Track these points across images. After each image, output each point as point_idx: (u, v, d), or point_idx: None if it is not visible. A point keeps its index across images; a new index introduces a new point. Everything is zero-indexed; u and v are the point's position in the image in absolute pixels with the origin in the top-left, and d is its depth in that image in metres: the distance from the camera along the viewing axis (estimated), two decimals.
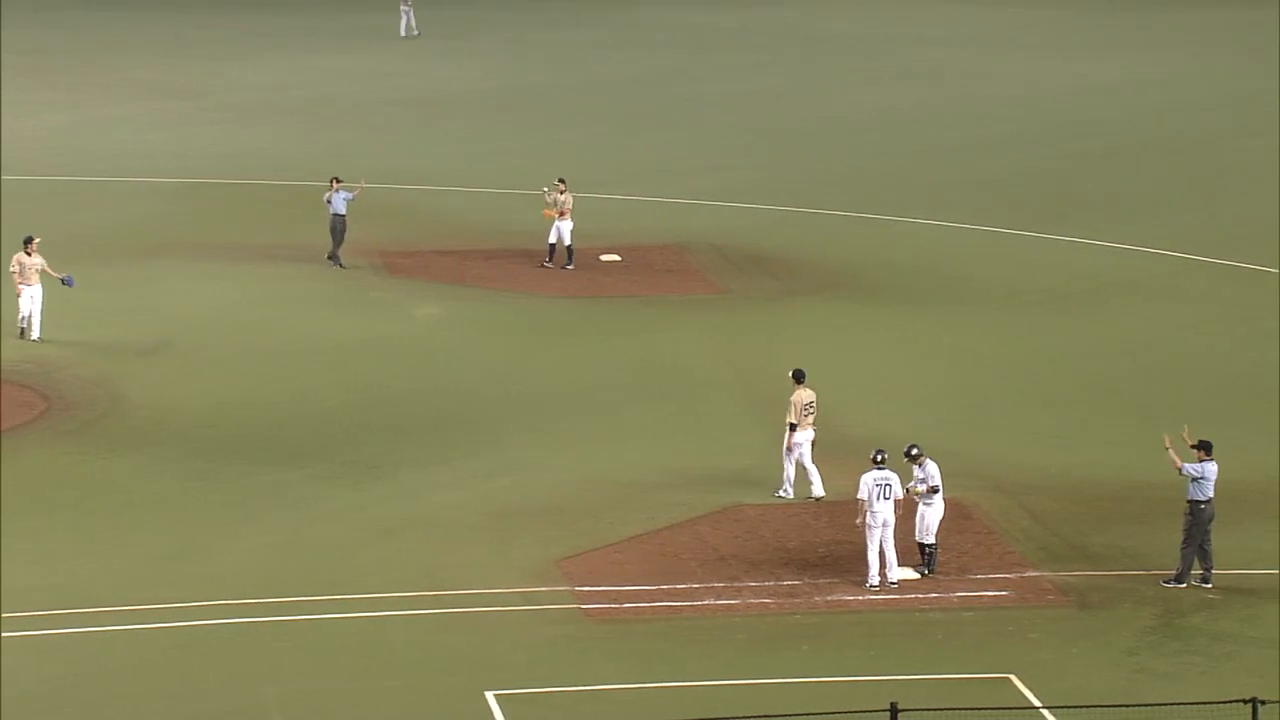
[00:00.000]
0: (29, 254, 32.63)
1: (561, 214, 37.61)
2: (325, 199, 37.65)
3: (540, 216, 38.06)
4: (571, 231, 37.66)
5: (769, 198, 44.75)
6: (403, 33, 66.72)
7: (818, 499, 26.02)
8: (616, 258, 39.10)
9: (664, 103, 56.90)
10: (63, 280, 32.80)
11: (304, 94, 56.99)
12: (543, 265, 37.65)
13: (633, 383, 31.43)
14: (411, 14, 66.87)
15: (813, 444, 26.11)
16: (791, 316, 35.35)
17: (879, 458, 23.64)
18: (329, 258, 37.57)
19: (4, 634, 21.91)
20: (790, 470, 26.13)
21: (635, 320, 35.01)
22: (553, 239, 37.71)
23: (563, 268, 37.62)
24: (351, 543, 24.85)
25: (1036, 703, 20.61)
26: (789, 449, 26.08)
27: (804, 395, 26.21)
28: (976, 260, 39.54)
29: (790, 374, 26.50)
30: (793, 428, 25.98)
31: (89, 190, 44.82)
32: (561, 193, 37.76)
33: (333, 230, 37.45)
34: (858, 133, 53.01)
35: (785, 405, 26.32)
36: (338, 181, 37.81)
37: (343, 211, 37.41)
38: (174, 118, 53.39)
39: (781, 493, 26.17)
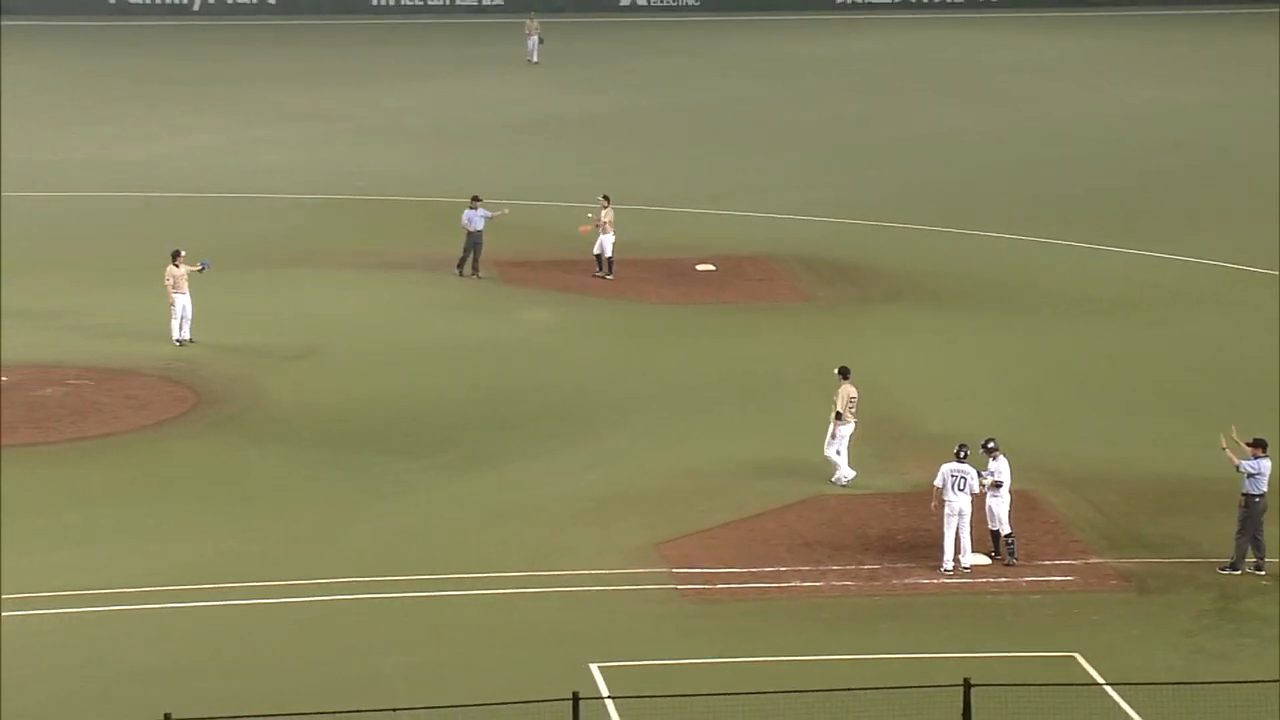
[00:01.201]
0: (177, 265, 32.78)
1: (604, 228, 37.28)
2: (463, 216, 37.58)
3: (579, 234, 37.74)
4: (613, 244, 37.24)
5: (850, 212, 44.40)
6: (535, 59, 66.72)
7: (839, 484, 25.71)
8: (711, 267, 38.87)
9: (756, 126, 56.66)
10: (200, 266, 32.86)
11: (432, 118, 57.17)
12: (595, 276, 37.27)
13: (724, 382, 31.23)
14: (537, 42, 66.91)
15: (851, 435, 25.80)
16: (871, 321, 35.02)
17: (961, 452, 23.38)
18: (457, 267, 37.57)
19: (162, 605, 22.02)
20: (842, 458, 25.85)
21: (727, 325, 34.79)
22: (597, 250, 37.38)
23: (604, 277, 37.20)
24: (467, 527, 24.81)
25: (1100, 680, 20.27)
26: (832, 437, 25.74)
27: (848, 390, 25.97)
28: (1044, 271, 39.05)
29: (836, 370, 26.29)
30: (839, 417, 25.64)
31: (236, 205, 45.15)
32: (604, 208, 37.50)
33: (471, 244, 37.39)
34: (933, 152, 52.52)
35: (861, 404, 26.09)
36: (477, 200, 37.79)
37: (480, 228, 37.39)
38: (314, 140, 53.70)
39: (836, 478, 25.87)
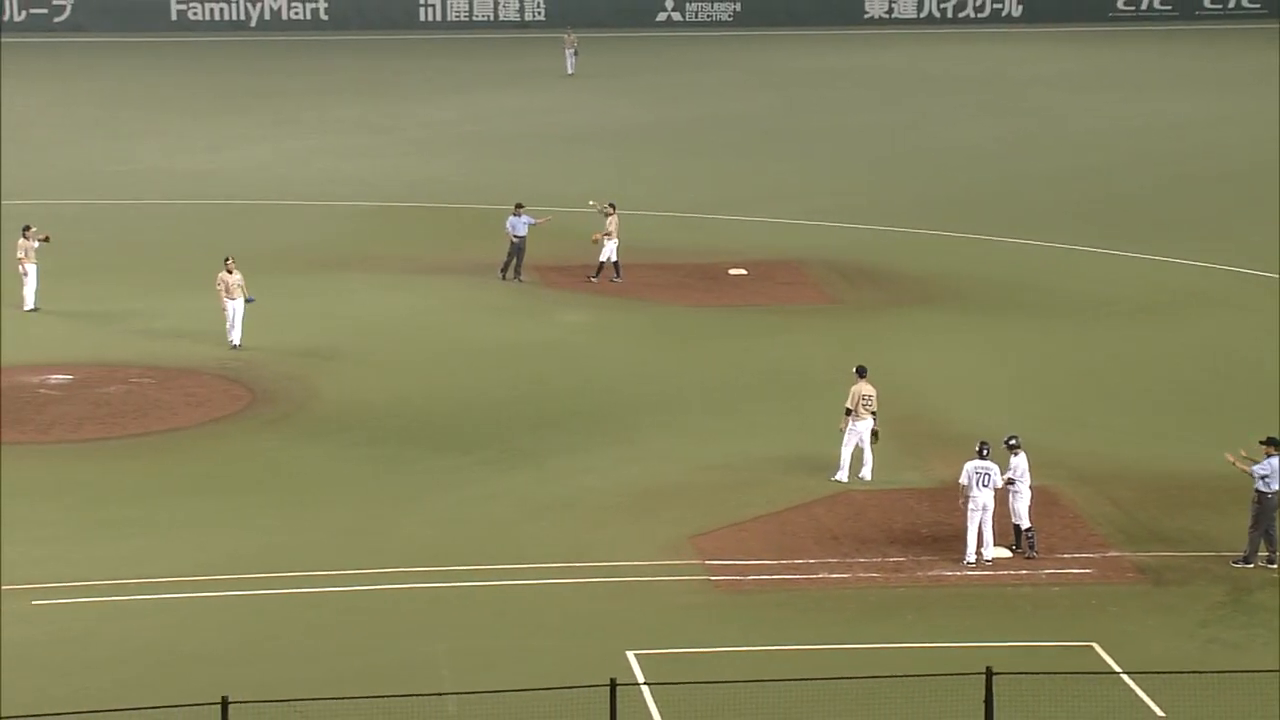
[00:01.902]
0: (229, 271, 32.84)
1: (609, 235, 37.18)
2: (507, 222, 37.64)
3: (591, 241, 37.64)
4: (616, 248, 37.10)
5: (877, 219, 44.30)
6: (570, 70, 66.84)
7: (864, 481, 25.58)
8: (742, 271, 38.84)
9: (787, 136, 56.58)
10: (247, 300, 32.81)
11: (477, 128, 57.27)
12: (611, 280, 37.13)
13: (755, 382, 31.20)
14: (573, 56, 67.01)
15: (875, 433, 25.71)
16: (897, 324, 34.93)
17: (983, 450, 23.33)
18: (500, 271, 37.62)
19: (220, 593, 22.14)
20: (845, 457, 25.75)
21: (758, 326, 34.76)
22: (603, 257, 37.30)
23: (610, 280, 37.08)
24: (509, 520, 24.86)
25: (1117, 668, 20.20)
26: (845, 433, 25.65)
27: (863, 389, 25.91)
28: (1064, 275, 38.90)
29: (854, 369, 26.24)
30: (848, 412, 25.58)
31: (291, 212, 45.33)
32: (608, 215, 37.41)
33: (514, 250, 37.44)
34: (957, 161, 52.37)
35: (884, 403, 26.05)
36: (520, 208, 37.84)
37: (523, 234, 37.43)
38: (365, 149, 53.86)
39: (838, 476, 25.80)
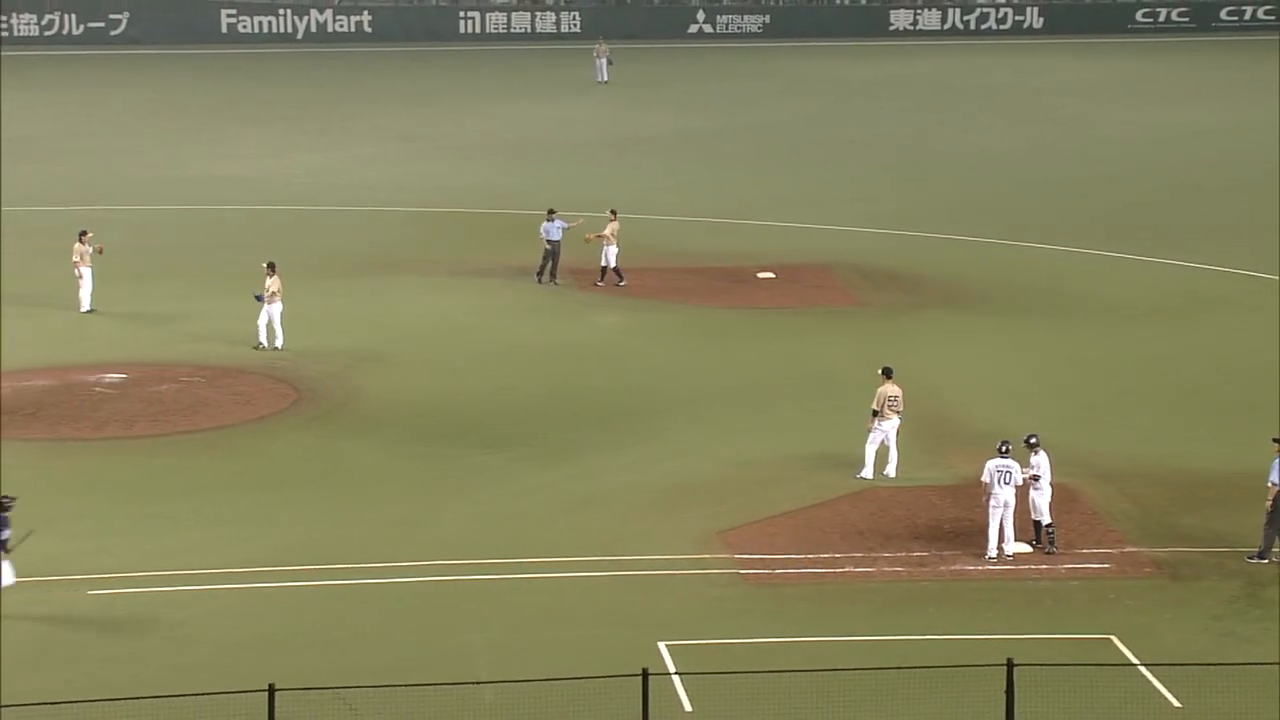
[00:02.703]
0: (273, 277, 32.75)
1: (607, 239, 36.97)
2: (541, 228, 37.63)
3: (585, 242, 37.38)
4: (616, 255, 36.92)
5: (902, 224, 44.16)
6: (604, 78, 66.82)
7: (889, 478, 25.48)
8: (771, 275, 38.74)
9: (814, 143, 56.46)
10: (256, 297, 32.69)
11: (516, 136, 57.29)
12: (615, 284, 36.90)
13: (784, 382, 31.12)
14: (605, 64, 67.00)
15: (898, 431, 25.58)
16: (921, 326, 34.80)
17: (1004, 448, 23.21)
18: (537, 275, 37.61)
19: (266, 584, 22.19)
20: (870, 455, 25.63)
21: (786, 328, 34.67)
22: (604, 262, 37.12)
23: (613, 284, 36.90)
24: (544, 515, 24.83)
25: (1134, 660, 20.07)
26: (871, 432, 25.54)
27: (889, 389, 25.80)
28: (1084, 279, 38.70)
29: (880, 370, 26.13)
30: (874, 414, 25.47)
31: (334, 218, 45.43)
32: (611, 221, 37.25)
33: (548, 254, 37.41)
34: (980, 169, 52.17)
35: (907, 403, 25.94)
36: (553, 213, 37.82)
37: (557, 238, 37.41)
38: (407, 157, 53.97)
39: (862, 474, 25.69)
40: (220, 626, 21.29)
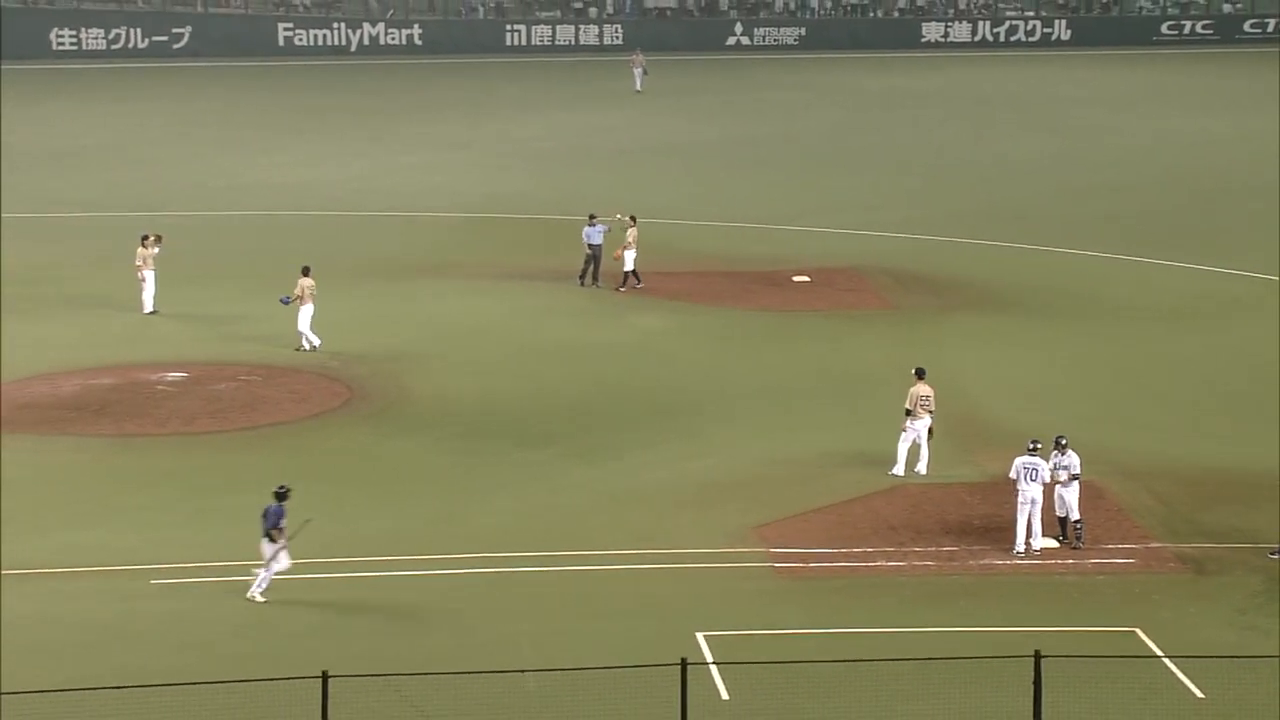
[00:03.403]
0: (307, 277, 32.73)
1: (627, 246, 36.83)
2: (583, 232, 37.62)
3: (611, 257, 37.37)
4: (634, 259, 36.79)
5: (932, 229, 43.98)
6: (639, 87, 66.80)
7: (920, 475, 25.36)
8: (805, 279, 38.65)
9: (848, 151, 56.28)
10: (282, 300, 32.73)
11: (558, 144, 57.32)
12: (634, 286, 36.86)
13: (817, 381, 31.03)
14: (641, 74, 67.00)
15: (930, 430, 25.43)
16: (950, 328, 34.64)
17: (1033, 446, 23.08)
18: (579, 278, 37.60)
19: (319, 575, 22.23)
20: (902, 453, 25.50)
21: (820, 330, 34.57)
22: (625, 267, 36.91)
23: (633, 287, 36.78)
24: (585, 509, 24.82)
25: (1158, 652, 19.91)
26: (904, 431, 25.44)
27: (921, 389, 25.68)
28: (1107, 282, 38.46)
29: (913, 371, 26.01)
30: (908, 413, 25.34)
31: (385, 223, 45.55)
32: (630, 228, 37.09)
33: (590, 257, 37.40)
34: (1010, 176, 51.90)
35: (937, 402, 25.82)
36: (594, 218, 37.83)
37: (598, 242, 37.40)
38: (454, 164, 54.06)
39: (894, 471, 25.58)
40: (277, 614, 21.34)
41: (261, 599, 21.36)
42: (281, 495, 21.70)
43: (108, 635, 20.68)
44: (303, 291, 32.52)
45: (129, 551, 23.05)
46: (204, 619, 21.19)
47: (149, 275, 35.23)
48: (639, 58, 67.41)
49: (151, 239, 35.53)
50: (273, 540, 21.50)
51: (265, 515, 21.62)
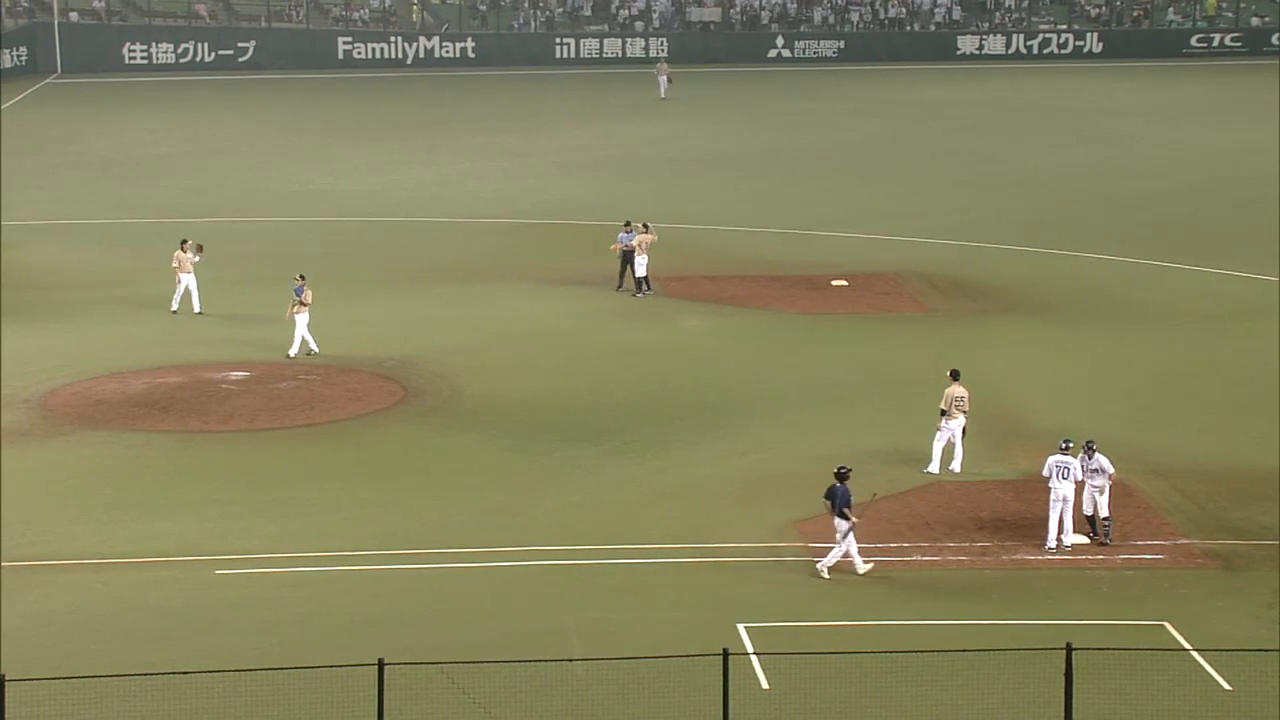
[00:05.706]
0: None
1: (640, 249, 36.62)
2: (618, 237, 37.58)
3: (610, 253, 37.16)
4: (646, 264, 36.52)
5: (969, 236, 43.74)
6: (662, 94, 66.86)
7: (954, 473, 25.16)
8: (845, 283, 38.51)
9: (886, 160, 56.05)
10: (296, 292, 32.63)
11: (608, 153, 57.35)
12: (635, 295, 36.59)
13: (856, 382, 30.91)
14: (665, 81, 67.11)
15: (964, 430, 25.28)
16: (987, 331, 34.44)
17: (1065, 445, 22.92)
18: (618, 282, 37.52)
19: (376, 567, 22.32)
20: (937, 451, 25.35)
21: (859, 332, 34.44)
22: (638, 272, 36.65)
23: (637, 295, 36.53)
24: (633, 504, 24.81)
25: (1187, 646, 19.73)
26: (938, 430, 25.29)
27: (956, 390, 25.52)
28: (1141, 288, 38.15)
29: (948, 372, 25.87)
30: (943, 413, 25.17)
31: (443, 229, 45.69)
32: (642, 232, 36.83)
33: (626, 262, 37.31)
34: (1043, 184, 51.56)
35: (972, 403, 25.66)
36: (629, 224, 37.75)
37: (632, 247, 37.31)
38: (508, 172, 54.17)
39: (929, 469, 25.42)
40: (334, 605, 21.43)
41: (827, 575, 21.32)
42: (842, 476, 21.65)
43: (175, 623, 20.80)
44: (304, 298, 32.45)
45: (194, 542, 23.21)
46: (265, 607, 21.30)
47: (184, 278, 35.55)
48: (665, 66, 67.71)
49: (190, 245, 35.83)
50: (844, 518, 21.34)
51: (832, 496, 21.48)
